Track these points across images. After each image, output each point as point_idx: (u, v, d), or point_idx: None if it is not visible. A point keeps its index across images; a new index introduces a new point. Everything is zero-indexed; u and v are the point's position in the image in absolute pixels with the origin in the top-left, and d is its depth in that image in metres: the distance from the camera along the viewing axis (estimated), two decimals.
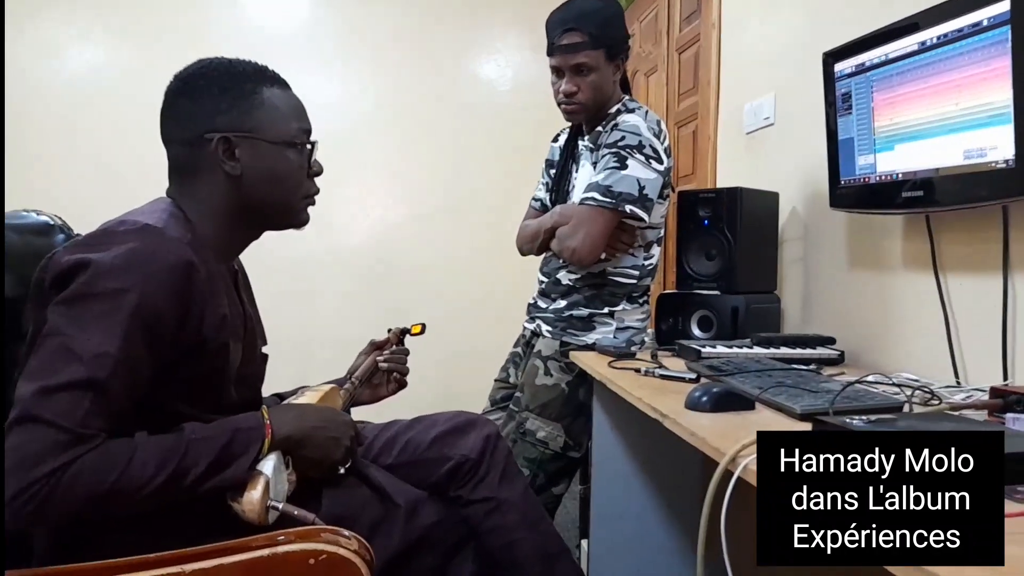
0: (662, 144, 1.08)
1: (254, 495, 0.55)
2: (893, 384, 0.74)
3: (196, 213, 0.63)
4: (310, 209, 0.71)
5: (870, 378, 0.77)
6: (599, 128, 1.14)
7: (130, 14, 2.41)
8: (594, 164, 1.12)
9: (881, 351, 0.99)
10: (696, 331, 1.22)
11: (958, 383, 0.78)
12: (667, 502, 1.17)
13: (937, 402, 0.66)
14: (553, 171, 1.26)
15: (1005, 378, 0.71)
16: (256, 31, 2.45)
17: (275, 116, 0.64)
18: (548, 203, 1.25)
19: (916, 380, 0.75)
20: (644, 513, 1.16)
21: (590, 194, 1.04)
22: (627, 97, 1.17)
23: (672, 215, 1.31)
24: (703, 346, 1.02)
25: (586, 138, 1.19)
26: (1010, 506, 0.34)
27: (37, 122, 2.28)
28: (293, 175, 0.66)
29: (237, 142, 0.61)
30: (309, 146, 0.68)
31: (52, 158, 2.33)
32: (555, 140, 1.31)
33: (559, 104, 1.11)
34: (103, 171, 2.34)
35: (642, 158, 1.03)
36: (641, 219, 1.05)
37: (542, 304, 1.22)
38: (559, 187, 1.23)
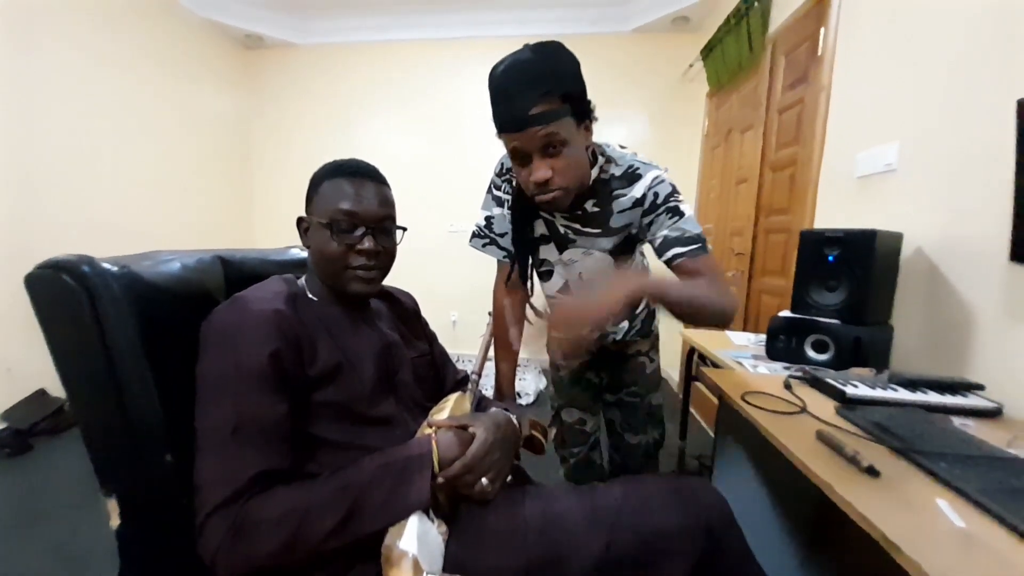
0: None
1: None
2: None
3: (307, 273, 0.81)
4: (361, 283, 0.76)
5: None
6: (591, 207, 0.96)
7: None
8: (610, 238, 0.99)
9: None
10: (810, 352, 1.23)
11: None
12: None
13: None
14: (508, 218, 1.04)
15: None
16: None
17: (323, 202, 0.73)
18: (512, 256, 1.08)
19: None
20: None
21: (676, 249, 0.88)
22: (602, 160, 0.94)
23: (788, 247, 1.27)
24: (842, 383, 0.99)
25: (559, 216, 1.00)
26: None
27: None
28: (333, 250, 0.73)
29: (306, 224, 0.77)
30: (353, 227, 0.73)
31: None
32: (501, 175, 1.05)
33: (532, 195, 0.87)
34: None
35: (682, 196, 0.93)
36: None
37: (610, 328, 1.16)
38: (522, 253, 1.06)
